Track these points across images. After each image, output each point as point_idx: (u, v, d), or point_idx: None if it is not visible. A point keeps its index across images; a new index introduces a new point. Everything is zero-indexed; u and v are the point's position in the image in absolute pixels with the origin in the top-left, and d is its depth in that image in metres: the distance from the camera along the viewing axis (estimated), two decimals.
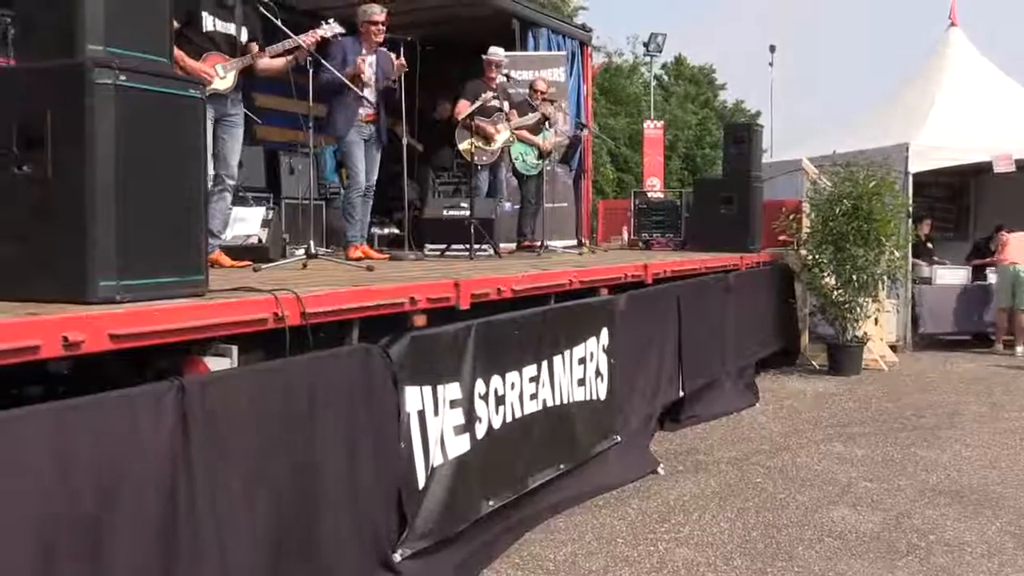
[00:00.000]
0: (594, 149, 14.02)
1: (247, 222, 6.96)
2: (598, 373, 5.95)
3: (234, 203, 6.94)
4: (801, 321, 11.03)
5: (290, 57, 6.23)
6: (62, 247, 3.13)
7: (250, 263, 5.83)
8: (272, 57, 6.19)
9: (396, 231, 10.29)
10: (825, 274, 10.42)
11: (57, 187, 3.12)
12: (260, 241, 6.89)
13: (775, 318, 10.26)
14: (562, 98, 11.04)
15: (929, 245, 13.03)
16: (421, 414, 4.18)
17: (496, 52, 9.01)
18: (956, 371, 10.52)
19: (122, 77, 3.14)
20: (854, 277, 10.22)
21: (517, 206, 10.04)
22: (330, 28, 6.35)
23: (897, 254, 10.63)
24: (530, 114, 9.21)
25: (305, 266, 5.86)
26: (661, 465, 6.32)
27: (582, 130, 11.31)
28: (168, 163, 3.36)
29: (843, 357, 10.24)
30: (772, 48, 35.61)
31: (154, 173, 3.29)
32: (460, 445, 4.45)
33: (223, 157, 5.99)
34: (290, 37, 6.11)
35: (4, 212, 3.22)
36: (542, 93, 9.54)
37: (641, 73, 35.99)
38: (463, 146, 8.57)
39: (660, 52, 29.90)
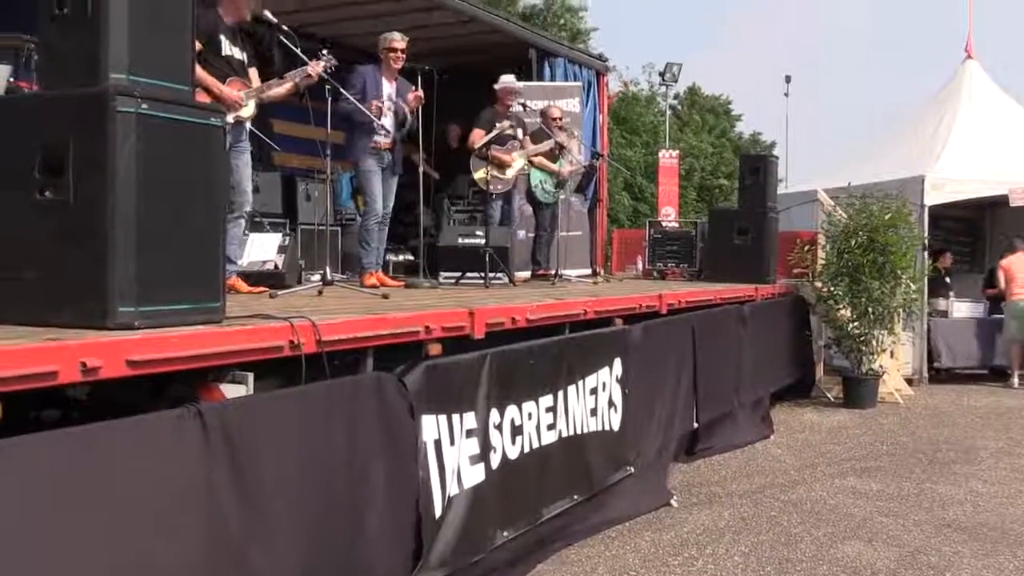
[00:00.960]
0: (609, 178, 14.02)
1: (264, 248, 6.99)
2: (611, 404, 5.93)
3: (251, 229, 6.98)
4: (816, 353, 10.99)
5: (290, 85, 6.24)
6: (81, 272, 3.15)
7: (267, 289, 5.86)
8: (286, 83, 6.24)
9: (411, 258, 10.31)
10: (840, 306, 10.38)
11: (78, 213, 3.14)
12: (277, 267, 6.91)
13: (790, 350, 10.22)
14: (577, 127, 11.07)
15: (947, 279, 12.97)
16: (437, 443, 4.17)
17: (509, 80, 9.05)
18: (973, 405, 10.45)
19: (144, 105, 3.17)
20: (870, 309, 10.18)
21: (531, 234, 10.06)
22: (325, 60, 6.32)
23: (913, 287, 10.59)
24: (544, 141, 9.25)
25: (321, 293, 5.87)
26: (675, 497, 6.29)
27: (597, 159, 11.33)
28: (187, 190, 3.38)
29: (858, 390, 10.19)
30: (788, 78, 35.84)
31: (173, 200, 3.32)
32: (475, 475, 4.44)
33: (236, 183, 6.03)
34: (306, 63, 6.15)
35: (25, 237, 3.24)
36: (555, 120, 9.58)
37: (657, 103, 36.08)
38: (478, 175, 8.60)
39: (676, 81, 30.04)
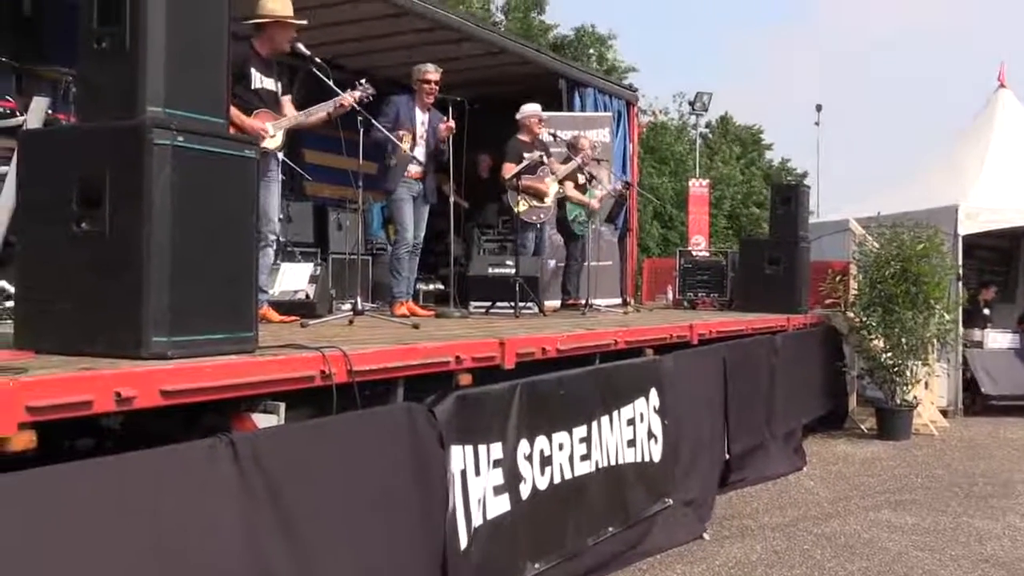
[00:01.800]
0: (639, 207, 14.02)
1: (295, 278, 7.03)
2: (650, 434, 5.89)
3: (283, 258, 7.04)
4: (849, 384, 10.88)
5: (323, 114, 6.30)
6: (116, 303, 3.18)
7: (298, 318, 5.90)
8: (317, 114, 6.31)
9: (441, 287, 10.35)
10: (873, 336, 10.29)
11: (113, 244, 3.18)
12: (308, 296, 6.95)
13: (822, 380, 10.12)
14: (607, 157, 11.10)
15: (986, 311, 12.81)
16: (463, 473, 4.15)
17: (530, 109, 9.08)
18: (1009, 438, 10.28)
19: (179, 138, 3.21)
20: (903, 340, 10.07)
21: (561, 263, 10.07)
22: (363, 89, 6.40)
23: (947, 317, 10.47)
24: (570, 162, 9.28)
25: (351, 322, 5.89)
26: (707, 530, 6.22)
27: (627, 189, 11.34)
28: (221, 221, 3.42)
29: (892, 421, 10.07)
30: (819, 107, 35.79)
31: (207, 231, 3.35)
32: (501, 505, 4.41)
33: (264, 212, 6.07)
34: (338, 94, 6.21)
35: (61, 267, 3.29)
36: (584, 151, 9.61)
37: (687, 132, 36.09)
38: (521, 208, 8.60)
39: (706, 111, 30.03)
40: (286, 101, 6.27)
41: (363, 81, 6.47)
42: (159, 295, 3.15)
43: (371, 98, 6.48)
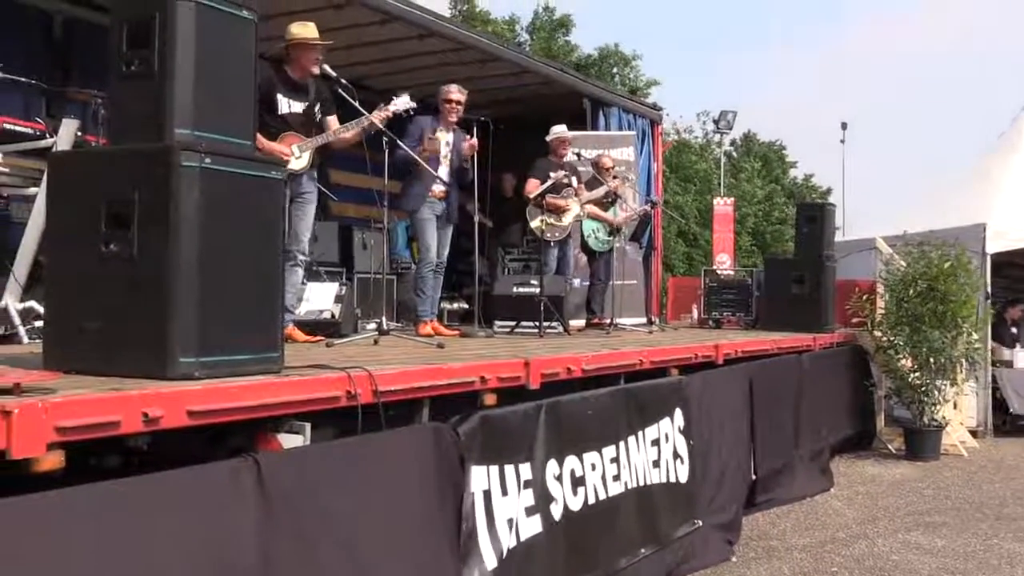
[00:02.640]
0: (663, 225, 13.99)
1: (321, 297, 7.06)
2: (676, 455, 5.86)
3: (308, 278, 7.06)
4: (876, 403, 10.78)
5: (358, 129, 6.33)
6: (144, 324, 3.21)
7: (323, 338, 5.92)
8: (350, 132, 6.35)
9: (465, 306, 10.36)
10: (901, 356, 10.19)
11: (141, 265, 3.21)
12: (333, 316, 6.97)
13: (850, 400, 10.04)
14: (632, 176, 11.10)
15: (1014, 330, 12.68)
16: (487, 494, 4.12)
17: (561, 130, 9.11)
18: None
19: (207, 160, 3.24)
20: (931, 359, 9.97)
21: (586, 282, 10.05)
22: (402, 102, 6.45)
23: (975, 336, 10.37)
24: (598, 188, 9.28)
25: (376, 342, 5.91)
26: (734, 552, 6.17)
27: (652, 207, 11.33)
28: (247, 242, 3.45)
29: (921, 441, 9.95)
30: (844, 125, 35.66)
31: (234, 252, 3.38)
32: (533, 527, 4.38)
33: (295, 233, 6.11)
34: (364, 115, 6.24)
35: (90, 288, 3.32)
36: (608, 170, 9.62)
37: (713, 150, 36.09)
38: (535, 224, 8.63)
39: (730, 129, 30.03)
40: (332, 120, 6.31)
41: (401, 94, 6.50)
42: (186, 316, 3.17)
43: (410, 112, 6.53)
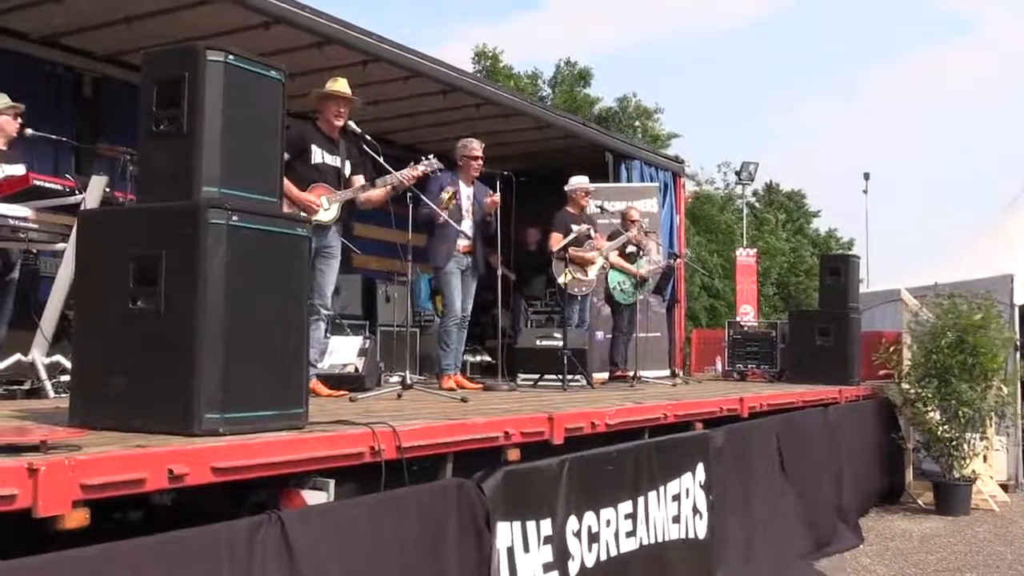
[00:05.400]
0: (686, 277, 13.99)
1: (344, 351, 7.09)
2: (696, 510, 5.79)
3: (331, 332, 7.09)
4: (905, 457, 10.63)
5: (389, 188, 6.41)
6: (169, 379, 3.22)
7: (347, 392, 5.92)
8: (377, 189, 6.42)
9: (488, 359, 10.35)
10: (929, 409, 10.07)
11: (168, 322, 3.23)
12: (356, 370, 6.99)
13: (878, 454, 9.91)
14: (655, 228, 11.12)
15: None
16: (511, 551, 4.10)
17: (578, 181, 9.15)
18: None
19: (234, 218, 3.27)
20: (960, 412, 9.85)
21: (609, 335, 10.03)
22: (429, 164, 6.54)
23: (1005, 390, 10.23)
24: (619, 238, 9.30)
25: (400, 396, 5.90)
26: None
27: (675, 260, 11.33)
28: (273, 298, 3.46)
29: (950, 496, 9.79)
30: (867, 175, 35.55)
31: (260, 308, 3.39)
32: None
33: (319, 287, 6.14)
34: (391, 172, 6.31)
35: (117, 345, 3.34)
36: (634, 222, 9.64)
37: (734, 201, 36.15)
38: (563, 279, 8.63)
39: (752, 180, 30.06)
40: (357, 179, 6.37)
41: (430, 157, 6.59)
42: (211, 372, 3.18)
43: (437, 172, 6.62)
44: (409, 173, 6.37)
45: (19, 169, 5.77)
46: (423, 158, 6.58)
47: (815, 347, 10.29)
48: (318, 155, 6.17)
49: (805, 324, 10.80)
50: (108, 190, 5.68)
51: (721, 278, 30.30)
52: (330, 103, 6.24)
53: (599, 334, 9.96)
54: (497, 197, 7.47)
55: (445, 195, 7.12)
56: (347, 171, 6.36)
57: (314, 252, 6.01)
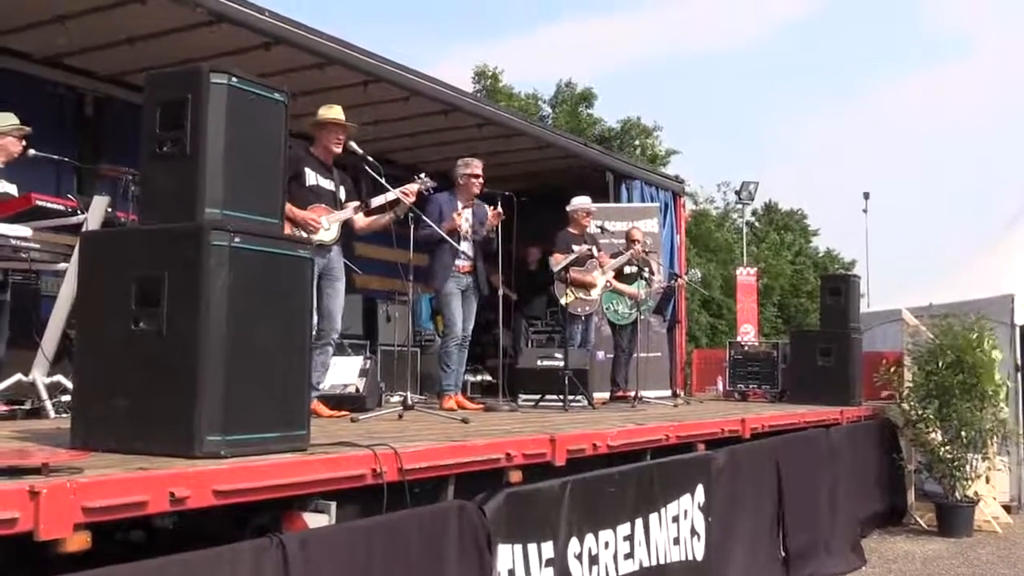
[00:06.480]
0: (687, 296, 13.98)
1: (345, 371, 7.07)
2: (694, 532, 5.77)
3: (333, 352, 7.08)
4: (907, 478, 10.59)
5: (390, 215, 6.42)
6: (171, 401, 3.21)
7: (348, 413, 5.91)
8: (374, 207, 6.42)
9: (489, 379, 10.34)
10: (930, 429, 10.04)
11: (170, 343, 3.22)
12: (358, 390, 6.98)
13: (879, 475, 9.87)
14: (656, 248, 11.13)
15: None
16: (512, 573, 4.08)
17: (580, 202, 9.17)
18: None
19: (236, 239, 3.27)
20: (962, 433, 9.82)
21: (610, 355, 10.02)
22: (423, 182, 6.54)
23: (1006, 410, 10.20)
24: (620, 256, 9.30)
25: (401, 417, 5.89)
26: None
27: (675, 280, 11.33)
28: (275, 320, 3.46)
29: (953, 517, 9.75)
30: (866, 195, 35.61)
31: (262, 330, 3.39)
32: None
33: (328, 312, 6.14)
34: (390, 190, 6.32)
35: (118, 365, 3.33)
36: (636, 242, 9.64)
37: (733, 220, 36.20)
38: (566, 300, 8.63)
39: (752, 199, 30.11)
40: (349, 207, 6.38)
41: (422, 175, 6.61)
42: (213, 394, 3.17)
43: (431, 191, 6.61)
44: (404, 189, 6.37)
45: (11, 188, 5.79)
46: (415, 176, 6.59)
47: (816, 367, 10.26)
48: (312, 178, 6.17)
49: (806, 344, 10.77)
50: (110, 210, 5.68)
51: (722, 294, 30.31)
52: (328, 131, 6.25)
53: (600, 353, 9.94)
54: (500, 211, 7.48)
55: (458, 216, 7.16)
56: (342, 195, 6.37)
57: (319, 275, 6.00)
